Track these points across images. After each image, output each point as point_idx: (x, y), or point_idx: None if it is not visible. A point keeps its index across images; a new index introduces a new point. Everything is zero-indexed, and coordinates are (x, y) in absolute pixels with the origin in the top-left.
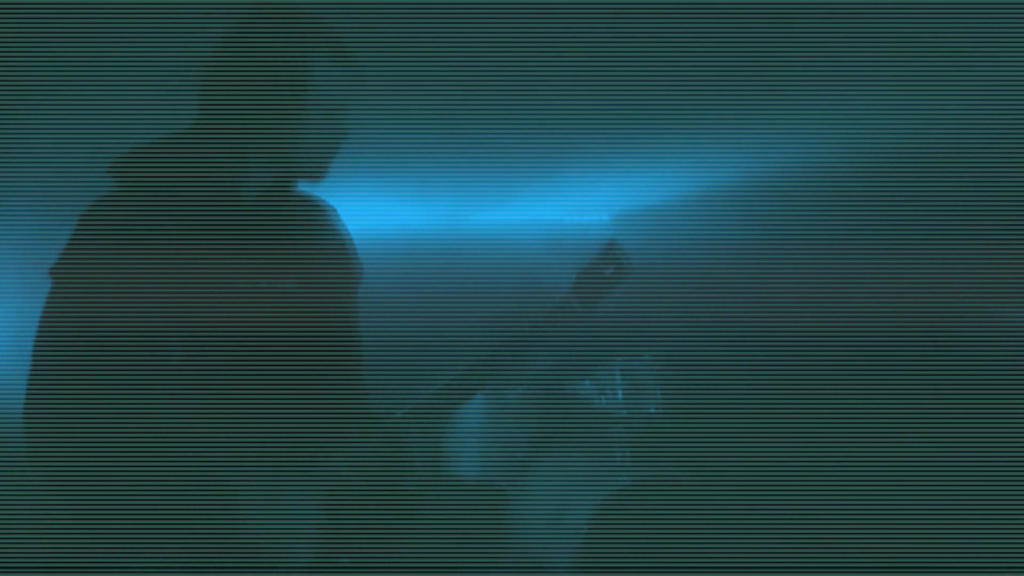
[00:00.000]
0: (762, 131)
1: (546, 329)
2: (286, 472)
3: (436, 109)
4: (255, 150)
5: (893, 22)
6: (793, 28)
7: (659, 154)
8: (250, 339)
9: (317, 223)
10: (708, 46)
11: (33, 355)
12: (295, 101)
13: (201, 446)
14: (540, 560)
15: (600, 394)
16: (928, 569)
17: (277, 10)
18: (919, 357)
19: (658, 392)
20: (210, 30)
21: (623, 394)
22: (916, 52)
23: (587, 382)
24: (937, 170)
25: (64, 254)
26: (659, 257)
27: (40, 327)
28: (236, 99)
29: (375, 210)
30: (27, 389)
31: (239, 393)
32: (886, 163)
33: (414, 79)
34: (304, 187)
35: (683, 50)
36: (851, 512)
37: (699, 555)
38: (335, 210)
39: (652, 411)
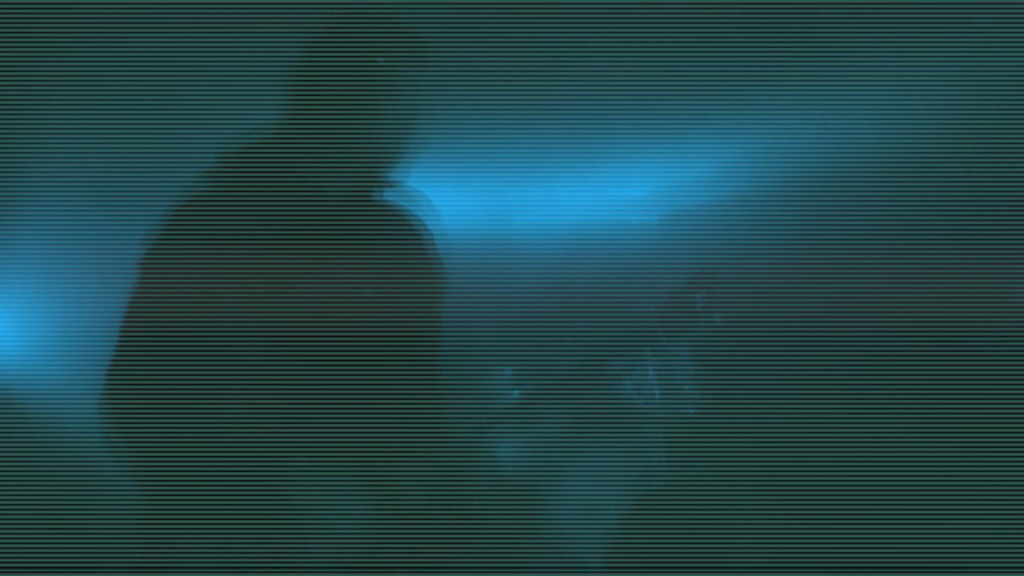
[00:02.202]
0: (800, 129)
1: (628, 354)
2: (356, 472)
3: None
4: (340, 152)
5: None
6: (831, 26)
7: (701, 152)
8: (325, 341)
9: (399, 231)
10: (752, 45)
11: (116, 345)
12: (379, 102)
13: (272, 443)
14: (575, 559)
15: (637, 394)
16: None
17: (363, 14)
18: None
19: (696, 392)
20: (297, 31)
21: (660, 393)
22: (947, 50)
23: (625, 382)
24: (961, 169)
25: (153, 248)
26: (697, 255)
27: (125, 318)
28: (322, 101)
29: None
30: (107, 378)
31: (312, 393)
32: (910, 162)
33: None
34: (389, 194)
35: (725, 49)
36: (890, 512)
37: (735, 555)
38: (422, 220)
39: (690, 411)
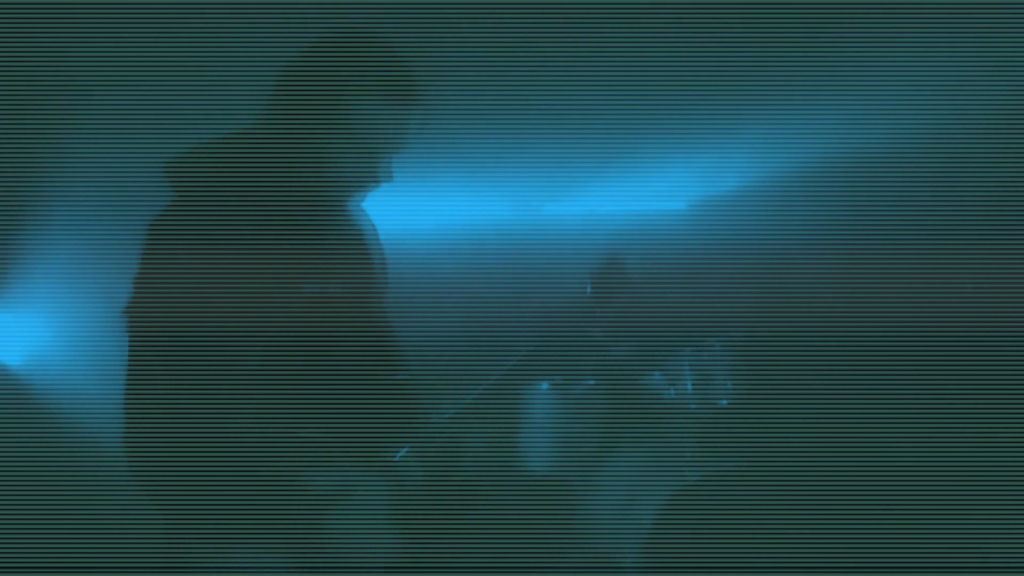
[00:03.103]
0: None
1: (565, 325)
2: (350, 469)
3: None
4: (304, 170)
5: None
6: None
7: (729, 144)
8: (299, 341)
9: (349, 228)
10: (773, 42)
11: (130, 372)
12: (345, 129)
13: (257, 444)
14: (609, 557)
15: (669, 386)
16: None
17: (344, 41)
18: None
19: (729, 383)
20: (281, 45)
21: (693, 386)
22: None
23: (656, 374)
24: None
25: (145, 265)
26: (729, 246)
27: (133, 344)
28: (290, 119)
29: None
30: (128, 400)
31: (297, 393)
32: (934, 158)
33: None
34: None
35: (749, 45)
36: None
37: (772, 553)
38: (363, 211)
39: (723, 404)
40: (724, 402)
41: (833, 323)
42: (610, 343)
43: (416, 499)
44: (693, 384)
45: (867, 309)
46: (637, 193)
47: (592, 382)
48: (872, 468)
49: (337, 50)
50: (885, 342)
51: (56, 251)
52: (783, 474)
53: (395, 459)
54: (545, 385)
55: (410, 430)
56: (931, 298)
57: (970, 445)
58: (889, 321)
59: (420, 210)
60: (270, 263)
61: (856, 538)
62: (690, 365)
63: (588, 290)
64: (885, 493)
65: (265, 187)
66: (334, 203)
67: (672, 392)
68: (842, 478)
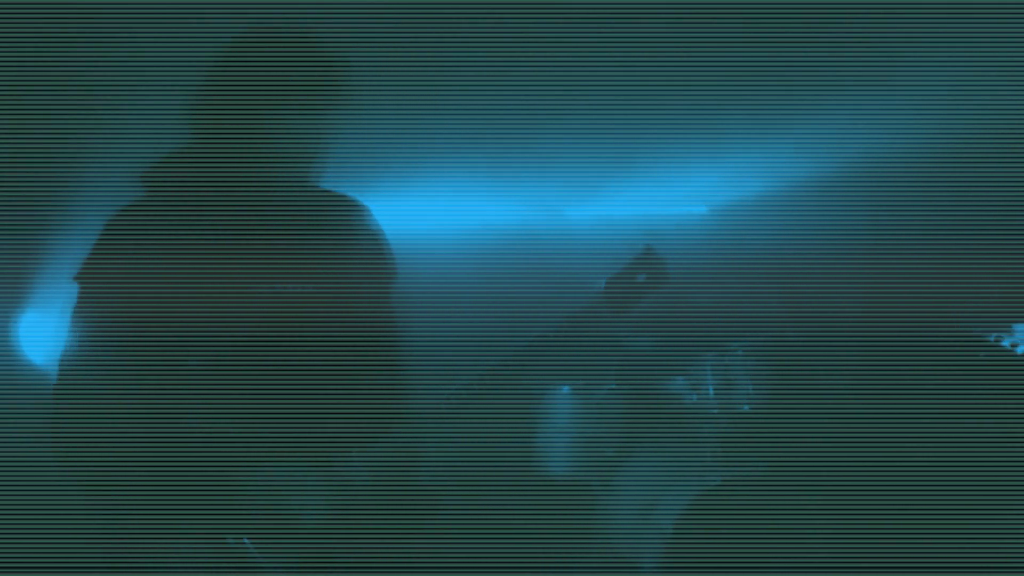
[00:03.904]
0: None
1: (571, 331)
2: (300, 470)
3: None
4: (252, 153)
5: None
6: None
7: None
8: (262, 341)
9: (338, 223)
10: (797, 44)
11: (62, 357)
12: (285, 110)
13: (217, 444)
14: (630, 559)
15: (692, 391)
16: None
17: (274, 30)
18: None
19: (751, 388)
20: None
21: (715, 391)
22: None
23: (679, 378)
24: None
25: (91, 259)
26: (751, 251)
27: (72, 330)
28: (225, 113)
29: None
30: (55, 388)
31: (253, 393)
32: (951, 161)
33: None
34: (332, 186)
35: (772, 49)
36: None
37: (791, 555)
38: (366, 209)
39: (745, 408)
40: (746, 407)
41: (854, 328)
42: (632, 346)
43: (362, 500)
44: (715, 389)
45: (888, 314)
46: (658, 197)
47: (614, 385)
48: (893, 473)
49: (260, 48)
50: (906, 347)
51: (75, 250)
52: (804, 479)
53: (348, 460)
54: (566, 388)
55: (368, 433)
56: (954, 302)
57: (996, 449)
58: (910, 326)
59: (437, 212)
60: (221, 262)
61: (876, 541)
62: (712, 370)
63: (602, 286)
64: (905, 497)
65: (213, 188)
66: (280, 201)
67: (695, 397)
68: (863, 483)
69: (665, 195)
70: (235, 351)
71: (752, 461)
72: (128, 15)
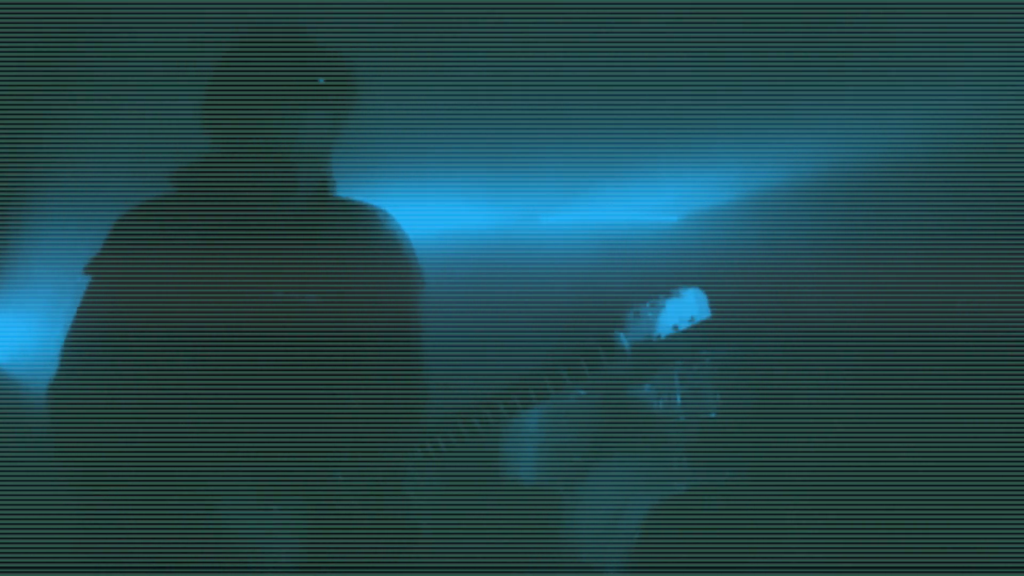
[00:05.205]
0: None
1: (587, 369)
2: (286, 479)
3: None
4: (258, 164)
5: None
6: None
7: (722, 155)
8: (261, 345)
9: (358, 231)
10: (778, 49)
11: (64, 347)
12: (292, 113)
13: (210, 445)
14: (594, 564)
15: (658, 398)
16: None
17: (277, 34)
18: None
19: (718, 396)
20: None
21: (682, 398)
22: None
23: (647, 386)
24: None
25: (103, 254)
26: (722, 259)
27: (75, 321)
28: (237, 113)
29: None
30: (54, 378)
31: (268, 399)
32: (938, 164)
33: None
34: (352, 194)
35: (751, 53)
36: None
37: (757, 558)
38: (389, 216)
39: (712, 415)
40: (713, 414)
41: (823, 336)
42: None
43: (344, 500)
44: (682, 396)
45: (858, 321)
46: (630, 204)
47: (583, 393)
48: (863, 479)
49: (271, 49)
50: (876, 353)
51: (53, 251)
52: (771, 485)
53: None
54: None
55: (386, 439)
56: (929, 309)
57: (995, 450)
58: (882, 332)
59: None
60: (237, 269)
61: (843, 546)
62: (680, 378)
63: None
64: (874, 503)
65: (230, 192)
66: (291, 208)
67: (661, 404)
68: (831, 489)
69: (636, 203)
70: (252, 358)
71: (719, 468)
72: (130, 15)
